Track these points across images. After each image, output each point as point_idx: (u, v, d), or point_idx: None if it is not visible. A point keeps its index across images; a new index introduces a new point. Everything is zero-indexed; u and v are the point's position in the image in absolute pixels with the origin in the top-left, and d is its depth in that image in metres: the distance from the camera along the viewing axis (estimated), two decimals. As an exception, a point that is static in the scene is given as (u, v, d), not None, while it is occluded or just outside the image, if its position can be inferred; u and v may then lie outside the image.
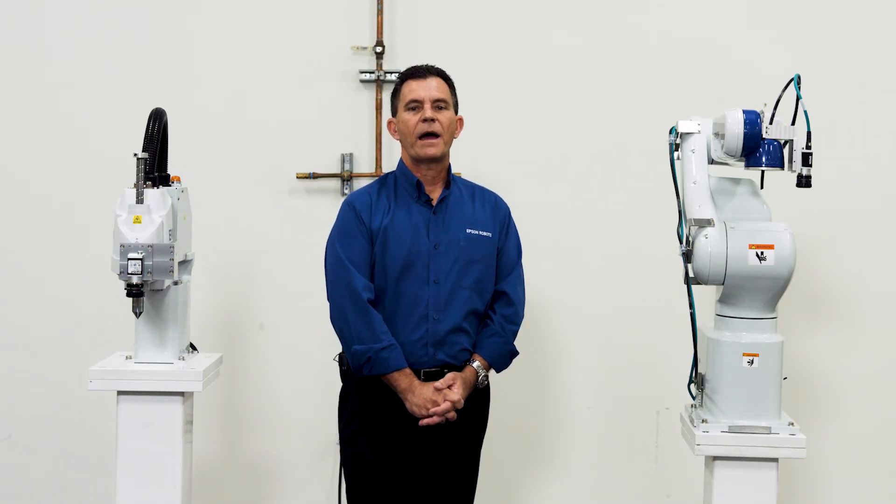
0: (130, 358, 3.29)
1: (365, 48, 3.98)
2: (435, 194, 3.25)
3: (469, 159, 3.98)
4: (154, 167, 3.20)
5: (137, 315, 3.18)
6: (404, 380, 3.12)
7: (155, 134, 3.23)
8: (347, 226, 3.20)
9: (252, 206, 4.05)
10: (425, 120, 3.17)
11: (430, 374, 3.17)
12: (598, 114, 4.03)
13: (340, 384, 3.29)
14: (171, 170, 3.36)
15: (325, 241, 3.25)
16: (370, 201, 3.22)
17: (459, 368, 3.20)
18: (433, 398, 3.11)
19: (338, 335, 3.19)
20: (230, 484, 4.11)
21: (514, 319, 3.29)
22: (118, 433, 3.21)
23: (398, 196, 3.23)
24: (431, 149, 3.18)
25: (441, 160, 3.23)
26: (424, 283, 3.17)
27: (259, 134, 4.04)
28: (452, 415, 3.12)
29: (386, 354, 3.10)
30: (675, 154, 3.07)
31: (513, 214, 3.36)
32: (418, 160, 3.22)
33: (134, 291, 3.09)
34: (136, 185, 3.14)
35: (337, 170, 4.03)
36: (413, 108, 3.19)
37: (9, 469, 4.09)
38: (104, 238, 3.30)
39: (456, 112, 3.28)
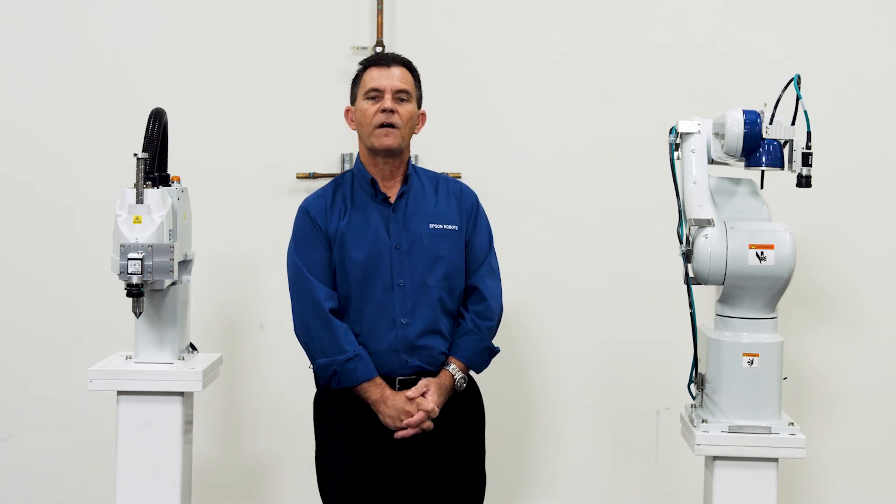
0: (130, 358, 3.29)
1: (365, 48, 3.98)
2: (393, 191, 3.08)
3: (468, 159, 3.99)
4: (154, 167, 3.20)
5: (137, 315, 3.17)
6: (375, 390, 2.97)
7: (155, 134, 3.23)
8: (304, 233, 3.07)
9: (252, 206, 4.05)
10: (384, 111, 2.99)
11: (406, 382, 3.01)
12: (599, 114, 4.03)
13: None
14: (171, 170, 3.36)
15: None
16: (325, 205, 3.07)
17: (437, 374, 3.05)
18: (406, 408, 2.95)
19: (303, 349, 3.08)
20: (230, 484, 4.11)
21: (488, 314, 3.11)
22: (118, 433, 3.20)
23: (354, 196, 3.08)
24: (388, 139, 3.00)
25: (399, 153, 3.06)
26: (389, 287, 3.01)
27: (259, 134, 4.05)
28: (428, 424, 2.96)
29: (352, 366, 2.96)
30: (675, 154, 3.07)
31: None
32: (374, 152, 3.05)
33: (134, 291, 3.08)
34: (136, 185, 3.14)
35: (337, 170, 4.03)
36: (373, 98, 3.02)
37: (9, 469, 4.09)
38: (104, 238, 3.30)
39: (419, 106, 3.11)
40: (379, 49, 3.94)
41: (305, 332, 3.05)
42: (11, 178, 4.05)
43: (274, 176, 4.03)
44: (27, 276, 4.06)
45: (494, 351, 3.16)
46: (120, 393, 3.20)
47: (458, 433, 3.10)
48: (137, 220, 3.11)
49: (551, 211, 4.03)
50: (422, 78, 3.20)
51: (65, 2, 4.03)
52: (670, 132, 3.08)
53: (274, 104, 4.04)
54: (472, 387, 3.19)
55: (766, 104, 2.97)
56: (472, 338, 3.09)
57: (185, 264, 3.37)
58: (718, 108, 3.05)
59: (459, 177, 3.94)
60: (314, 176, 3.99)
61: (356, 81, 3.12)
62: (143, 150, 3.18)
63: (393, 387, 3.01)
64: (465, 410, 3.14)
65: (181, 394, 3.22)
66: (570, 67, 4.04)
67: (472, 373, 3.18)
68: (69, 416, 4.06)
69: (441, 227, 3.08)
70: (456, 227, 3.11)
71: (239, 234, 4.06)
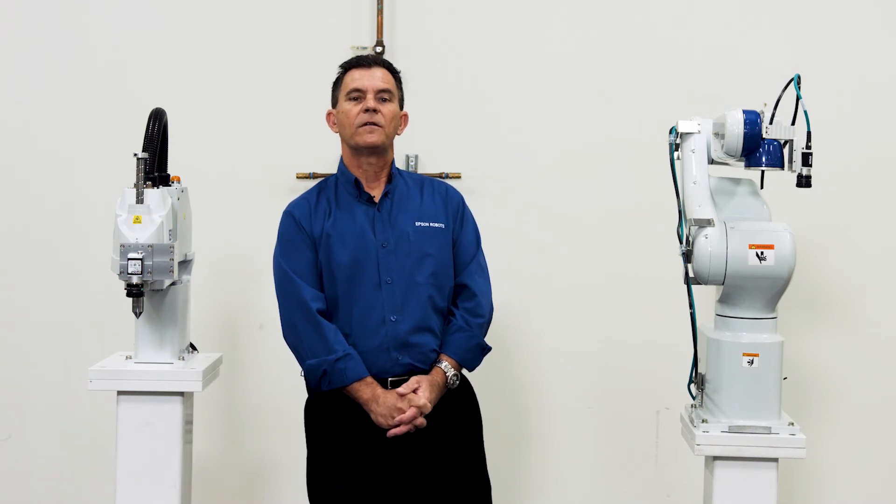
0: (130, 358, 3.29)
1: (365, 48, 3.98)
2: (377, 192, 3.08)
3: (468, 159, 3.99)
4: (154, 167, 3.20)
5: (137, 315, 3.18)
6: (366, 390, 2.95)
7: (155, 134, 3.23)
8: (288, 236, 3.06)
9: (252, 206, 4.04)
10: (367, 110, 3.00)
11: (397, 382, 2.99)
12: (599, 114, 4.03)
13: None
14: (171, 170, 3.36)
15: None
16: (309, 207, 3.07)
17: (429, 373, 3.02)
18: (398, 405, 2.93)
19: (293, 353, 3.06)
20: (230, 484, 4.11)
21: (479, 311, 3.08)
22: (118, 433, 3.20)
23: (339, 198, 3.08)
24: (371, 136, 3.00)
25: (382, 152, 3.07)
26: (376, 285, 3.00)
27: (259, 134, 4.05)
28: (421, 421, 2.94)
29: (342, 365, 2.94)
30: (675, 154, 3.07)
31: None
32: (358, 150, 3.05)
33: (134, 291, 3.08)
34: (136, 185, 3.14)
35: (337, 170, 4.02)
36: (355, 98, 3.03)
37: (9, 469, 4.09)
38: (104, 238, 3.30)
39: (401, 107, 3.12)
40: (379, 49, 3.94)
41: (293, 334, 3.03)
42: (11, 178, 4.05)
43: (274, 176, 4.03)
44: (27, 276, 4.06)
45: (486, 349, 3.13)
46: (120, 393, 3.20)
47: (455, 438, 3.06)
48: (137, 220, 3.11)
49: (551, 211, 4.03)
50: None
51: (65, 2, 4.03)
52: (670, 132, 3.08)
53: (274, 104, 4.04)
54: (468, 389, 3.17)
55: (766, 104, 2.97)
56: (463, 335, 3.07)
57: (185, 264, 3.37)
58: (718, 108, 3.05)
59: (459, 177, 3.94)
60: (314, 176, 3.99)
61: (337, 84, 3.13)
62: (143, 150, 3.18)
63: (384, 387, 2.99)
64: (461, 414, 3.11)
65: (181, 394, 3.22)
66: (570, 67, 4.04)
67: (468, 374, 3.16)
68: (69, 416, 4.06)
69: (427, 224, 3.08)
70: (442, 225, 3.10)
71: (239, 234, 4.06)
